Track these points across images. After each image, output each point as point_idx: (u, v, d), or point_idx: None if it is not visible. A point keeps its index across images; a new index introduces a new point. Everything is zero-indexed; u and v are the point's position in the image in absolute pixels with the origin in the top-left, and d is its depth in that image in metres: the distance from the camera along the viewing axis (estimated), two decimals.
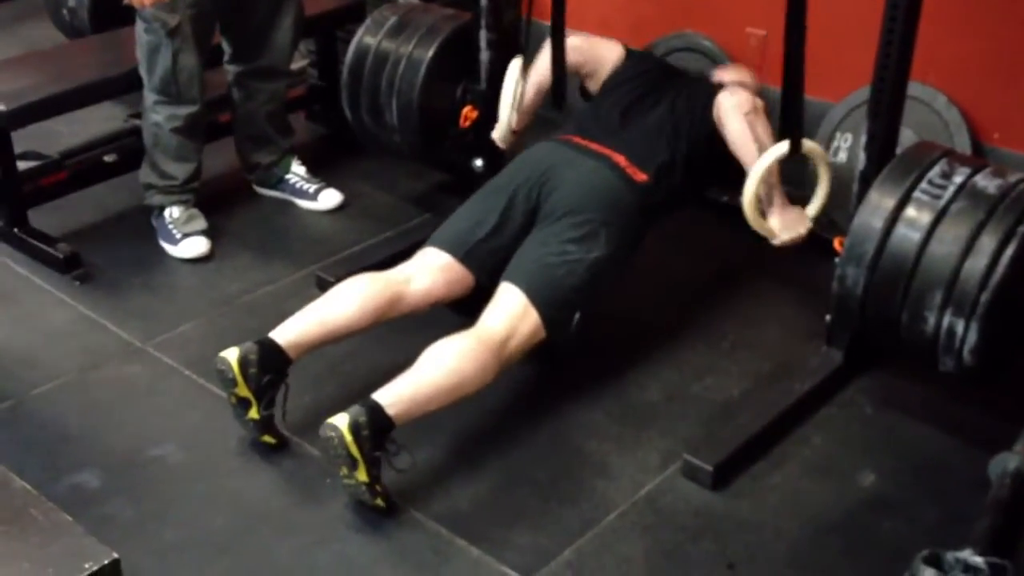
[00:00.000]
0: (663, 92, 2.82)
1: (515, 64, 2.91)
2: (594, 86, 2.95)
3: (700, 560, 2.15)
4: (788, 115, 2.48)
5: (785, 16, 2.43)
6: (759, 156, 2.53)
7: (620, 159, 2.61)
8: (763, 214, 2.61)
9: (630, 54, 2.98)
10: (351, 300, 2.42)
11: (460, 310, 2.56)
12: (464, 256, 2.52)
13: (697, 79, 2.97)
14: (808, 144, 2.53)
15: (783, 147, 2.49)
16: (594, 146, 2.65)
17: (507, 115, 2.94)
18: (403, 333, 2.52)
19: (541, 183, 2.56)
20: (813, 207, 2.66)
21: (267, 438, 2.38)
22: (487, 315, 2.36)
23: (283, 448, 2.41)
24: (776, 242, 2.65)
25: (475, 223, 2.56)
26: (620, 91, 2.85)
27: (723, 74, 3.01)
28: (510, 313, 2.35)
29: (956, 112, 3.07)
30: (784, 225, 2.64)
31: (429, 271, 2.51)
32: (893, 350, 2.46)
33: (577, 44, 2.93)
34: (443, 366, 2.23)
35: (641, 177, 2.60)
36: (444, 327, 2.37)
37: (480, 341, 2.28)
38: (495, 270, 2.48)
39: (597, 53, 2.95)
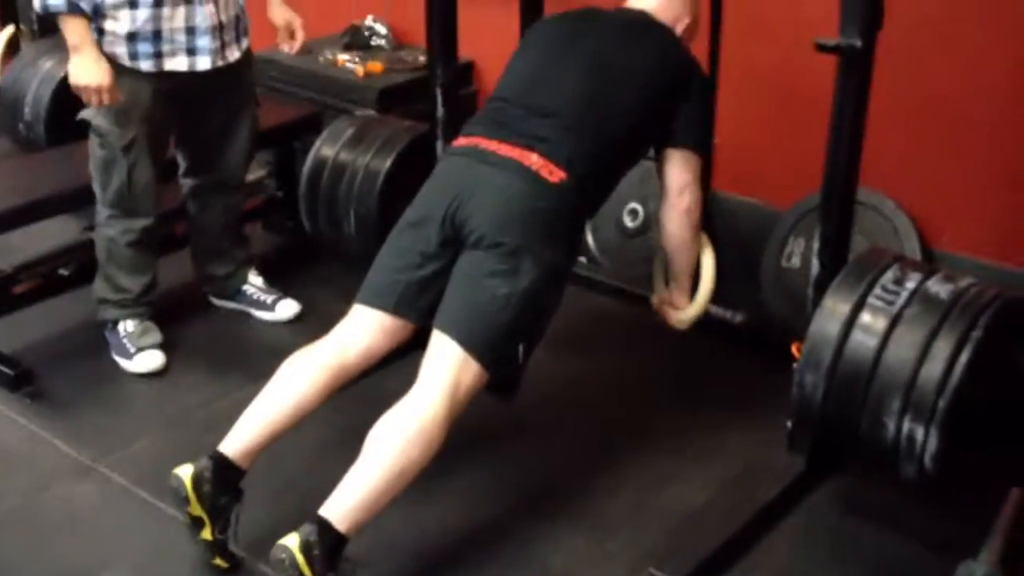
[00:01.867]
0: (575, 54, 2.52)
1: None
2: None
3: None
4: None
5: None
6: (692, 262, 2.68)
7: (532, 159, 2.36)
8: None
9: (523, 36, 2.76)
10: (295, 387, 2.35)
11: (412, 347, 2.45)
12: (395, 308, 2.40)
13: (626, 26, 2.58)
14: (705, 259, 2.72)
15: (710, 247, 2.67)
16: (503, 149, 2.39)
17: None
18: (361, 444, 2.48)
19: (453, 211, 2.35)
20: (702, 294, 2.77)
21: (219, 561, 2.31)
22: (425, 373, 2.25)
23: (238, 571, 2.34)
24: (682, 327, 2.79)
25: (397, 269, 2.42)
26: (519, 67, 2.59)
27: (661, 11, 2.61)
28: (449, 367, 2.23)
29: (904, 216, 3.12)
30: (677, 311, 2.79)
31: (365, 331, 2.42)
32: (855, 456, 2.45)
33: None
34: (388, 455, 2.14)
35: (559, 176, 2.35)
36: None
37: (422, 413, 2.18)
38: (431, 308, 2.36)
39: None
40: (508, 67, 2.64)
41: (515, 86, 2.55)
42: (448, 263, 2.38)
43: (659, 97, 2.51)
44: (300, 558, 2.02)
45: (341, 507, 2.10)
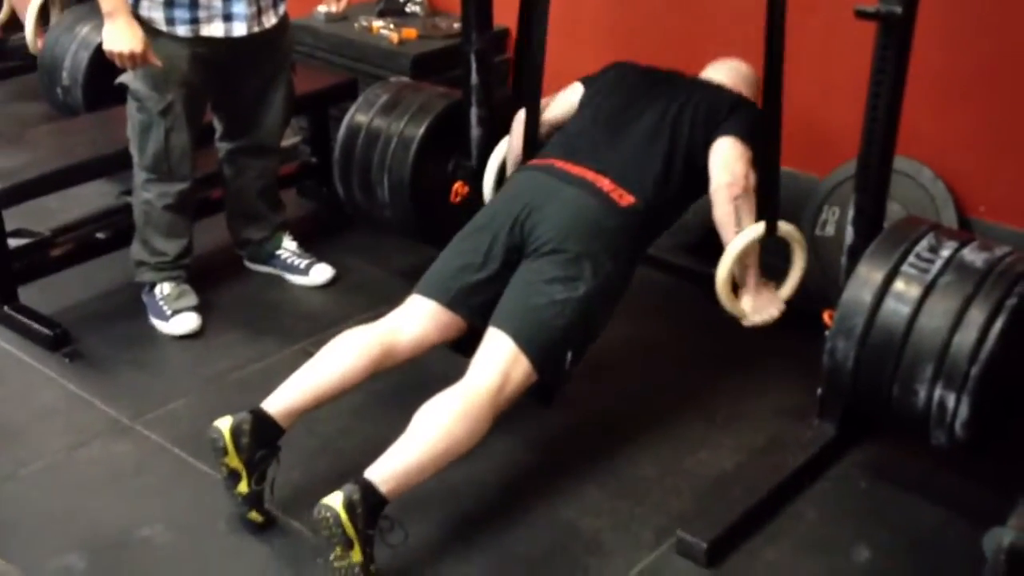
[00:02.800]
0: (650, 100, 2.71)
1: (502, 144, 2.96)
2: None
3: None
4: (766, 197, 2.52)
5: (763, 101, 2.47)
6: (727, 239, 2.56)
7: (604, 183, 2.53)
8: (736, 293, 2.62)
9: (594, 78, 2.88)
10: (343, 361, 2.40)
11: (458, 348, 2.54)
12: (450, 302, 2.49)
13: (700, 85, 2.81)
14: (784, 227, 2.57)
15: (759, 229, 2.53)
16: (576, 170, 2.57)
17: (490, 190, 2.98)
18: (395, 408, 2.51)
19: (523, 219, 2.49)
20: (786, 289, 2.68)
21: (254, 515, 2.35)
22: (476, 365, 2.33)
23: (273, 527, 2.38)
24: (746, 323, 2.65)
25: (459, 267, 2.52)
26: (597, 104, 2.76)
27: (728, 78, 2.84)
28: (500, 361, 2.32)
29: (942, 186, 3.10)
30: (756, 307, 2.65)
31: (418, 320, 2.49)
32: (885, 423, 2.45)
33: (544, 104, 2.91)
34: (435, 431, 2.20)
35: (628, 200, 2.52)
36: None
37: (470, 398, 2.25)
38: (485, 311, 2.45)
39: (563, 101, 2.89)
40: (588, 100, 2.81)
41: (593, 120, 2.72)
42: (508, 270, 2.49)
43: (717, 126, 2.62)
44: (344, 515, 2.07)
45: (385, 471, 2.15)
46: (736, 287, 2.64)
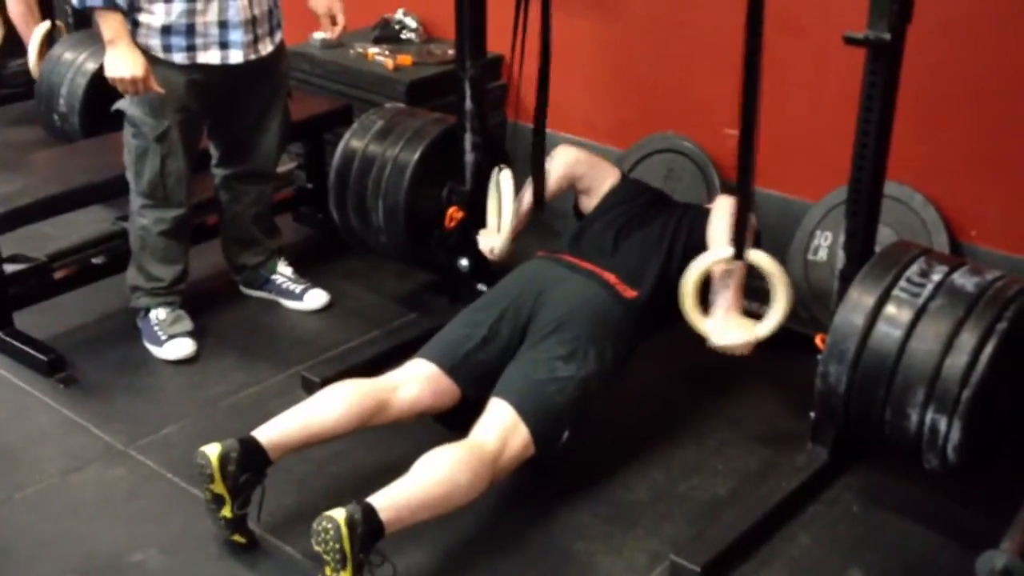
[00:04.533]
0: (656, 215, 2.88)
1: (507, 176, 3.01)
2: (588, 204, 3.01)
3: None
4: (736, 220, 2.55)
5: (739, 126, 2.48)
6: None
7: (610, 277, 2.68)
8: (704, 312, 2.63)
9: (625, 178, 3.06)
10: (336, 405, 2.42)
11: (444, 422, 2.57)
12: (451, 368, 2.55)
13: (694, 206, 2.98)
14: (758, 257, 2.56)
15: (726, 251, 2.57)
16: (586, 265, 2.71)
17: (508, 230, 3.02)
18: (391, 436, 2.53)
19: (532, 299, 2.61)
20: (765, 327, 2.59)
21: (237, 537, 2.36)
22: (478, 429, 2.37)
23: (264, 551, 2.38)
24: (708, 344, 2.64)
25: (464, 336, 2.59)
26: (614, 212, 2.91)
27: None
28: (501, 427, 2.37)
29: (933, 210, 3.12)
30: (719, 331, 2.61)
31: (416, 381, 2.53)
32: (877, 447, 2.46)
33: (582, 158, 3.03)
34: (437, 474, 2.22)
35: (631, 294, 2.65)
36: (431, 433, 2.40)
37: (473, 452, 2.29)
38: (482, 384, 2.51)
39: (598, 171, 3.02)
40: (598, 207, 2.95)
41: (601, 225, 2.87)
42: (511, 348, 2.57)
43: None
44: (344, 529, 2.07)
45: (387, 499, 2.16)
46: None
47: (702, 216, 2.79)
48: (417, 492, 2.19)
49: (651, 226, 2.84)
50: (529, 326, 2.59)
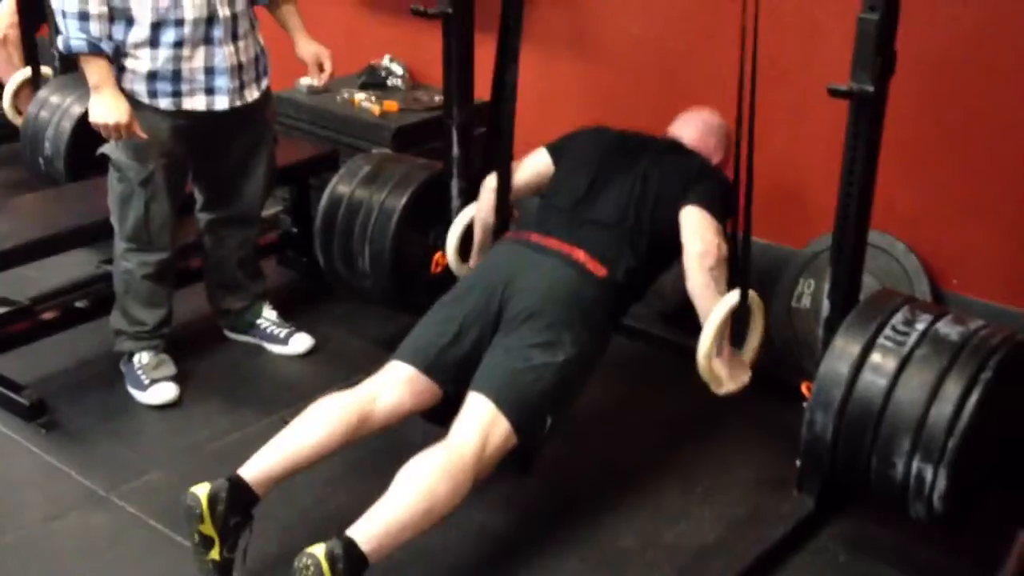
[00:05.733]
0: (618, 172, 2.77)
1: (468, 210, 3.07)
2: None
3: None
4: (738, 265, 2.59)
5: (734, 167, 2.52)
6: (703, 311, 2.60)
7: (579, 254, 2.61)
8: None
9: (560, 146, 2.94)
10: (318, 431, 2.40)
11: (431, 419, 2.54)
12: (427, 368, 2.52)
13: (665, 150, 2.85)
14: (752, 295, 2.62)
15: (735, 298, 2.58)
16: (552, 243, 2.65)
17: (476, 249, 3.08)
18: (372, 476, 2.49)
19: (502, 289, 2.55)
20: (748, 352, 2.74)
21: None
22: (457, 428, 2.34)
23: None
24: (722, 391, 2.67)
25: (437, 334, 2.56)
26: (567, 179, 2.83)
27: (698, 132, 2.93)
28: (480, 423, 2.33)
29: (915, 259, 3.14)
30: (731, 375, 2.67)
31: (395, 385, 2.50)
32: (864, 495, 2.46)
33: (514, 168, 2.97)
34: (416, 491, 2.20)
35: (601, 272, 2.60)
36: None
37: (452, 458, 2.26)
38: (461, 379, 2.48)
39: (528, 168, 2.97)
40: (558, 175, 2.89)
41: (564, 195, 2.79)
42: (485, 340, 2.53)
43: (685, 200, 2.69)
44: (325, 564, 2.05)
45: (366, 531, 2.14)
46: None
47: (670, 172, 2.73)
48: (398, 514, 2.17)
49: (614, 189, 2.73)
50: (501, 315, 2.53)
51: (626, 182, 2.74)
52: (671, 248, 2.69)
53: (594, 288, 2.58)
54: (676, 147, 2.89)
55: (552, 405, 2.44)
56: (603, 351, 2.62)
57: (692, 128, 2.95)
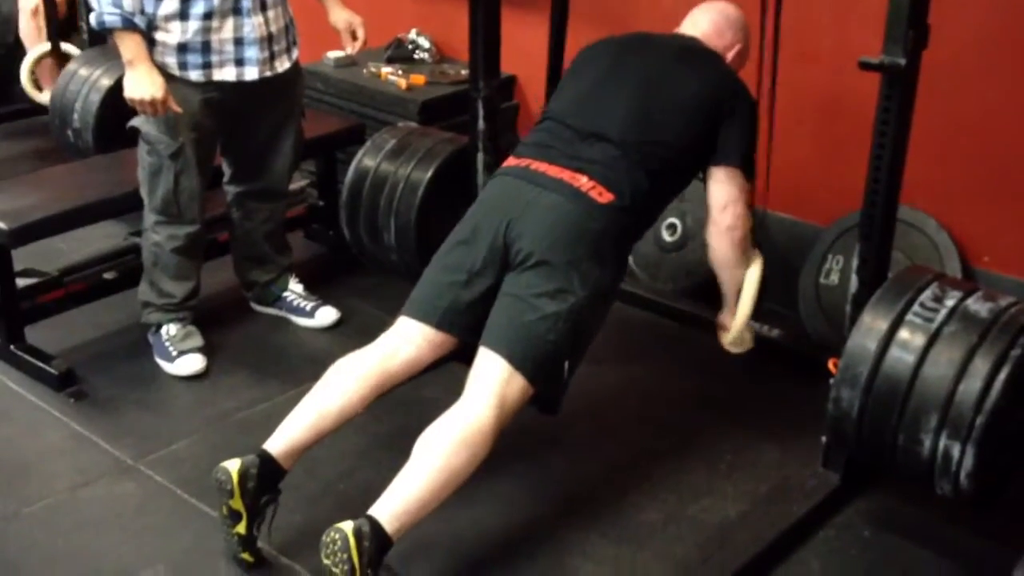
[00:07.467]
0: (625, 80, 2.58)
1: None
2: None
3: None
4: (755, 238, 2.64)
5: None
6: (739, 280, 2.62)
7: (582, 180, 2.43)
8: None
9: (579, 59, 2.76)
10: (342, 391, 2.39)
11: (461, 359, 2.51)
12: (438, 323, 2.45)
13: (680, 50, 2.64)
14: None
15: (760, 264, 2.63)
16: (553, 170, 2.46)
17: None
18: (397, 450, 2.49)
19: (504, 230, 2.41)
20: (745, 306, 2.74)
21: (246, 555, 2.35)
22: (471, 387, 2.30)
23: (270, 568, 2.37)
24: (740, 350, 2.79)
25: (445, 285, 2.47)
26: (572, 94, 2.64)
27: (715, 27, 2.71)
28: (494, 383, 2.28)
29: (946, 236, 3.11)
30: (747, 337, 2.78)
31: (411, 342, 2.46)
32: (890, 473, 2.44)
33: None
34: (435, 464, 2.19)
35: (607, 198, 2.42)
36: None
37: (469, 424, 2.23)
38: (475, 327, 2.41)
39: None
40: (559, 90, 2.73)
41: (566, 109, 2.61)
42: (495, 283, 2.43)
43: (706, 120, 2.54)
44: (353, 540, 2.06)
45: (389, 509, 2.14)
46: None
47: (685, 79, 2.55)
48: (418, 490, 2.16)
49: (624, 104, 2.52)
50: (507, 258, 2.41)
51: (632, 92, 2.54)
52: (685, 168, 2.58)
53: (600, 218, 2.41)
54: (687, 48, 2.67)
55: (568, 351, 2.36)
56: (619, 281, 2.52)
57: (707, 22, 2.73)
